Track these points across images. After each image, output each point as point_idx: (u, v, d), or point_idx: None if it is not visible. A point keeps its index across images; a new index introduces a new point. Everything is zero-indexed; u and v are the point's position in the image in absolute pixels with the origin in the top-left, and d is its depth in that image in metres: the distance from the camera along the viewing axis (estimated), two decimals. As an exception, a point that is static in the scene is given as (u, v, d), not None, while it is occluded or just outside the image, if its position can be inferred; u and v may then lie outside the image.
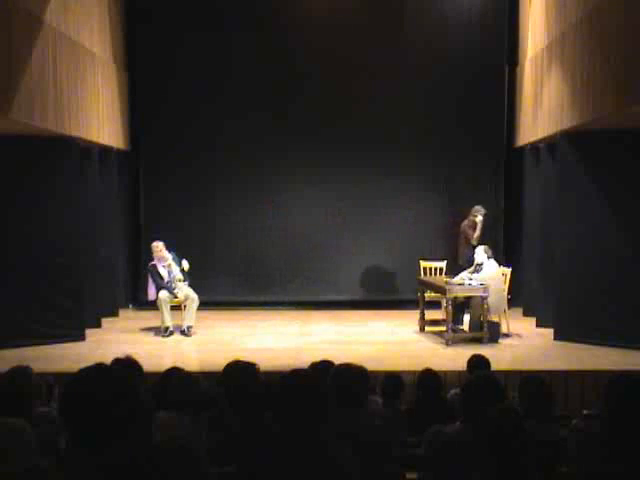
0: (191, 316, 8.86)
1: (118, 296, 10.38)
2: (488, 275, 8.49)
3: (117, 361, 4.08)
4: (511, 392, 4.70)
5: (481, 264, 8.66)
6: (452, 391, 4.97)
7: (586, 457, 3.06)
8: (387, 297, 10.92)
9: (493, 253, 8.88)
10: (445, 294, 8.37)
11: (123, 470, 1.92)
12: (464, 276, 8.67)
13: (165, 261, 8.93)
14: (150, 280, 9.06)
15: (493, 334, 8.30)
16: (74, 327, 8.44)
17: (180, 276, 8.99)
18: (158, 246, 8.99)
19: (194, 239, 10.49)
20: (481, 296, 8.30)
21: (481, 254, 8.69)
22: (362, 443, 3.16)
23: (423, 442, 3.31)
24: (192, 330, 8.86)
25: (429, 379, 4.83)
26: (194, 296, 8.89)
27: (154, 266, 8.93)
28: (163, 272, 8.91)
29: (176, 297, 8.90)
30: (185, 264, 9.01)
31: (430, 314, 9.29)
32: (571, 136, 8.33)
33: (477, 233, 9.46)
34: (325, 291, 10.84)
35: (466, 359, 5.26)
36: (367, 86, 10.66)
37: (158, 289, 8.88)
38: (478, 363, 5.14)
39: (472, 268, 8.79)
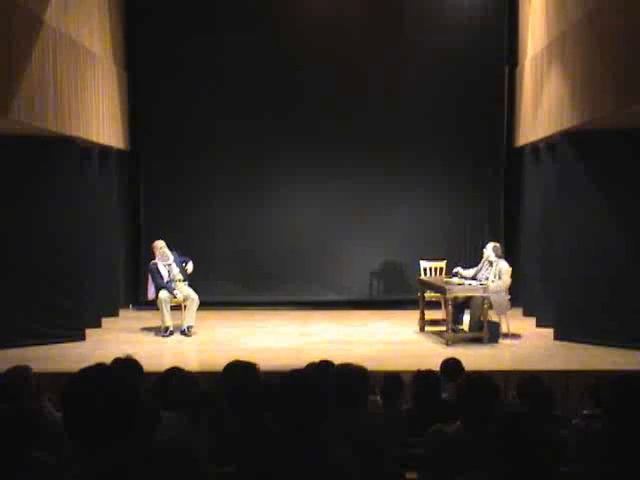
0: (191, 316, 8.86)
1: (118, 296, 10.37)
2: (506, 276, 8.50)
3: (117, 361, 4.08)
4: (511, 392, 4.70)
5: (489, 261, 8.66)
6: (444, 394, 4.96)
7: (586, 457, 3.06)
8: (387, 297, 10.92)
9: (502, 252, 8.89)
10: (445, 294, 8.37)
11: (123, 470, 1.92)
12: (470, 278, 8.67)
13: (166, 260, 8.94)
14: (150, 279, 9.06)
15: (493, 334, 8.30)
16: (74, 327, 8.43)
17: (180, 276, 8.99)
18: (160, 245, 8.99)
19: (194, 239, 10.49)
20: (481, 296, 8.31)
21: (490, 251, 8.68)
22: (362, 443, 3.16)
23: (423, 442, 3.31)
24: (192, 330, 8.85)
25: (424, 380, 4.81)
26: (194, 296, 8.89)
27: (155, 264, 8.92)
28: (163, 271, 8.91)
29: (175, 297, 8.90)
30: (190, 267, 9.02)
31: (430, 314, 9.28)
32: (571, 136, 8.33)
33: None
34: (325, 291, 10.84)
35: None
36: (367, 86, 10.65)
37: (158, 289, 8.88)
38: (452, 368, 5.13)
39: (479, 266, 8.77)
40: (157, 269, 8.91)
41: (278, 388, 2.61)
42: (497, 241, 9.52)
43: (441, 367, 5.24)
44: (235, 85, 10.62)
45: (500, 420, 2.74)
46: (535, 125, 9.50)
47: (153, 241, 9.20)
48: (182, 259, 9.09)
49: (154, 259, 8.99)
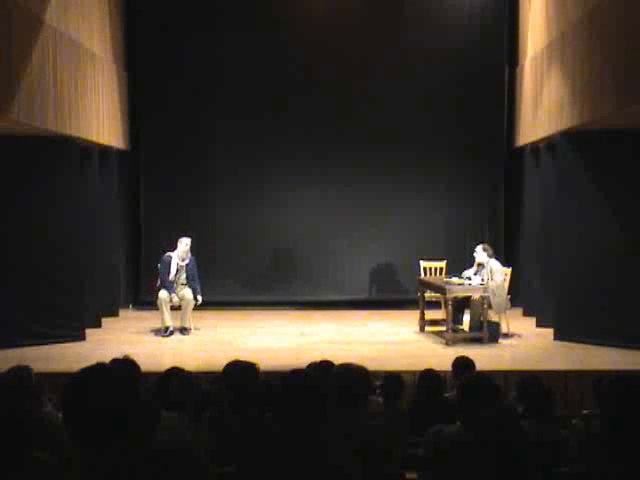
0: (187, 317, 8.86)
1: (118, 296, 10.37)
2: (498, 275, 8.50)
3: (115, 361, 4.08)
4: (511, 392, 4.70)
5: (481, 264, 8.66)
6: (447, 394, 4.97)
7: (586, 457, 3.06)
8: (387, 297, 10.92)
9: (494, 251, 8.88)
10: (445, 294, 8.37)
11: (123, 470, 1.92)
12: (470, 276, 8.65)
13: (183, 260, 8.91)
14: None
15: (493, 334, 8.30)
16: (74, 327, 8.43)
17: (185, 281, 8.96)
18: (186, 242, 8.92)
19: (194, 239, 10.42)
20: (481, 296, 8.30)
21: (481, 253, 8.68)
22: (362, 443, 3.16)
23: (423, 442, 3.31)
24: (189, 331, 8.86)
25: (430, 379, 4.84)
26: (189, 297, 8.86)
27: (170, 258, 8.88)
28: (173, 268, 8.88)
29: (171, 300, 8.85)
30: (199, 298, 8.98)
31: (430, 314, 9.28)
32: (571, 136, 8.33)
33: None
34: (325, 291, 10.84)
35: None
36: (367, 86, 10.65)
37: (160, 284, 8.87)
38: (464, 365, 5.15)
39: (474, 268, 8.77)
40: (168, 264, 8.88)
41: (278, 388, 2.61)
42: (490, 241, 9.53)
43: (452, 365, 5.25)
44: (235, 85, 10.62)
45: (488, 420, 2.75)
46: (535, 125, 9.50)
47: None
48: (193, 274, 9.00)
49: (172, 252, 8.94)
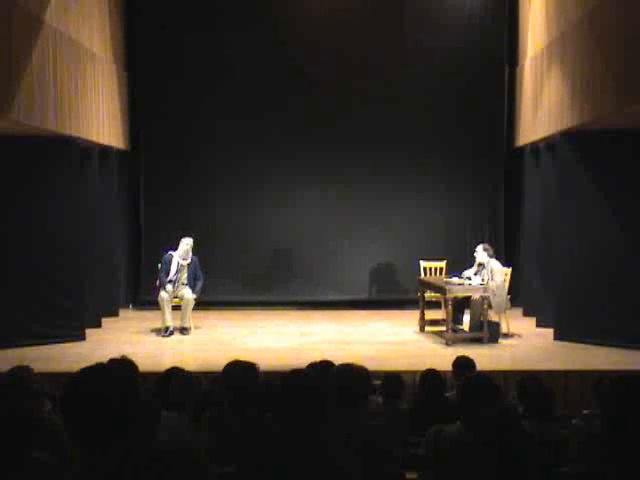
0: (186, 318, 8.86)
1: (118, 296, 10.37)
2: (499, 275, 8.50)
3: (112, 361, 4.07)
4: (511, 392, 4.71)
5: (482, 264, 8.66)
6: (447, 394, 4.97)
7: (586, 457, 3.06)
8: (387, 297, 10.91)
9: (494, 251, 8.88)
10: (445, 294, 8.37)
11: (123, 470, 1.92)
12: (470, 276, 8.65)
13: (184, 259, 8.91)
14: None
15: (493, 334, 8.30)
16: (74, 327, 8.43)
17: (185, 280, 8.96)
18: (187, 241, 8.95)
19: (194, 239, 10.47)
20: (481, 296, 8.30)
21: (481, 253, 8.68)
22: (362, 443, 3.16)
23: (424, 442, 3.31)
24: (189, 331, 8.86)
25: (432, 379, 4.84)
26: (188, 297, 8.86)
27: (170, 257, 8.89)
28: (173, 267, 8.88)
29: (169, 292, 8.84)
30: (198, 289, 8.98)
31: (430, 314, 9.28)
32: (571, 136, 8.33)
33: None
34: (325, 291, 10.83)
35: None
36: (367, 86, 10.65)
37: (160, 284, 8.86)
38: (464, 365, 5.15)
39: (474, 268, 8.77)
40: (169, 262, 8.88)
41: (278, 388, 2.61)
42: (490, 241, 9.54)
43: (453, 365, 5.25)
44: (235, 85, 10.62)
45: (489, 420, 2.75)
46: (535, 125, 9.50)
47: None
48: (195, 274, 9.01)
49: (174, 251, 8.94)
